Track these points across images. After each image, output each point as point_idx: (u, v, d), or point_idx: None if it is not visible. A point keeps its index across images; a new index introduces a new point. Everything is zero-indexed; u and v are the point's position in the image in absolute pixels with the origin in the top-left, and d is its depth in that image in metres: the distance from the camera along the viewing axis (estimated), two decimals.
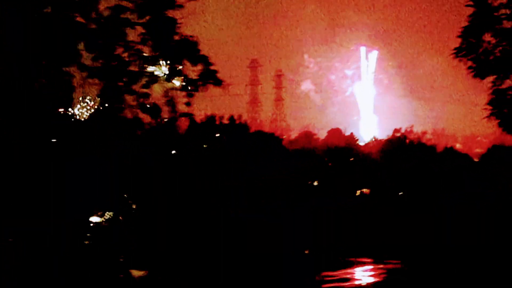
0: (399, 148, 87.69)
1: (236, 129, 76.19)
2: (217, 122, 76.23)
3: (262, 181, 67.40)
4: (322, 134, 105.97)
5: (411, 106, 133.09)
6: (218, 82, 13.60)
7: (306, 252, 52.77)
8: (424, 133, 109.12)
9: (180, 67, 13.97)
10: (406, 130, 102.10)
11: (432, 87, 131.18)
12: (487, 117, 20.29)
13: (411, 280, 42.25)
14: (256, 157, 70.37)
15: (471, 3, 20.25)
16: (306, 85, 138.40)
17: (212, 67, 13.86)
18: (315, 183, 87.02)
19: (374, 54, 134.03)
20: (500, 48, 20.18)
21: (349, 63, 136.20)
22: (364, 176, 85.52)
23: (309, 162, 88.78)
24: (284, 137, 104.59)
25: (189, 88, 13.51)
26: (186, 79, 13.36)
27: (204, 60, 13.34)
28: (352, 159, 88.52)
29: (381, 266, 51.60)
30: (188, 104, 14.23)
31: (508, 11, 19.99)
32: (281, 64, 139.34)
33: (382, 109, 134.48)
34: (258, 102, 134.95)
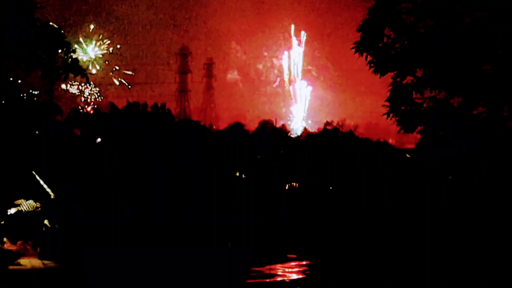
0: (330, 141, 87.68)
1: (159, 117, 75.16)
2: (140, 109, 75.10)
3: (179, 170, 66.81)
4: (253, 126, 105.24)
5: (344, 99, 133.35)
6: (80, 71, 12.73)
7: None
8: (357, 126, 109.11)
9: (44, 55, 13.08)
10: (338, 123, 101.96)
11: (366, 81, 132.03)
12: (386, 114, 19.86)
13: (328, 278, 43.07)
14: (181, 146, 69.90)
15: None
16: (235, 75, 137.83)
17: (75, 55, 12.98)
18: (243, 176, 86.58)
19: (301, 47, 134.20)
20: (400, 43, 19.75)
21: (278, 52, 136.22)
22: (294, 169, 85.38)
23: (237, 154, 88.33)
24: (214, 127, 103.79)
25: (52, 77, 12.62)
26: (46, 67, 12.45)
27: (66, 47, 12.44)
28: (282, 152, 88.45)
29: (305, 262, 52.13)
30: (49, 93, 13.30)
31: (409, 5, 19.55)
32: (212, 52, 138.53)
33: (314, 102, 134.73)
34: (187, 91, 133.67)
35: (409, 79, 19.90)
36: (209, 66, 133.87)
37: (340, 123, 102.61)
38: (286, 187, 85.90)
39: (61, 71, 12.62)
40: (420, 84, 19.63)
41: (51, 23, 12.33)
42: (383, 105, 19.68)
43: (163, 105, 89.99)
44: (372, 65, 20.07)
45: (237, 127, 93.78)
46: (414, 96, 19.66)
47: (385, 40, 19.72)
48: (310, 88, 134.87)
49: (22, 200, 75.95)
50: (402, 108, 19.37)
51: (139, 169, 70.05)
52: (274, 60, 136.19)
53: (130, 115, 75.20)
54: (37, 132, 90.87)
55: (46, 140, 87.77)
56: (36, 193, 75.72)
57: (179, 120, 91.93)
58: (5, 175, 68.71)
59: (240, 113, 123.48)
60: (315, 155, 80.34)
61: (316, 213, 68.14)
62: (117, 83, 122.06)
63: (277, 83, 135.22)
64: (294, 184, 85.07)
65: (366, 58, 20.05)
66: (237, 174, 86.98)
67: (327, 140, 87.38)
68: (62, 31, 12.40)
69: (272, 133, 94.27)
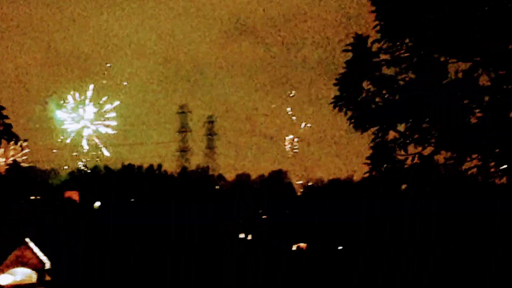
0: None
1: (154, 178, 74.92)
2: (135, 171, 74.96)
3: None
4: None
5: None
6: (15, 137, 12.29)
7: None
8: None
9: None
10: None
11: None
12: (368, 172, 19.38)
13: None
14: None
15: (349, 47, 19.45)
16: (238, 131, 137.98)
17: (8, 121, 12.49)
18: (249, 237, 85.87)
19: None
20: (381, 97, 19.35)
21: None
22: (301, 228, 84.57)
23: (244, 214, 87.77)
24: (216, 187, 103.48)
25: None
26: None
27: None
28: (288, 211, 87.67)
29: None
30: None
31: (388, 57, 19.20)
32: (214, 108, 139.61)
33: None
34: (188, 150, 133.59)
35: (391, 134, 19.45)
36: (210, 123, 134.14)
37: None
38: (294, 248, 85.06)
39: None
40: (404, 139, 19.17)
41: None
42: (364, 163, 19.20)
43: (159, 165, 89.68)
44: (353, 120, 19.66)
45: (241, 185, 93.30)
46: (397, 151, 19.21)
47: (364, 94, 19.32)
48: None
49: (17, 268, 75.46)
50: (384, 166, 18.90)
51: (136, 234, 69.59)
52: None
53: (125, 178, 74.75)
54: (32, 198, 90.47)
55: (42, 205, 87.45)
56: (31, 261, 75.24)
57: (179, 179, 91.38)
58: None
59: (244, 171, 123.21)
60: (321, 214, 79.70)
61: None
62: (106, 152, 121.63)
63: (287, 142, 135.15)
64: (302, 245, 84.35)
65: (345, 113, 19.66)
66: (242, 235, 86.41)
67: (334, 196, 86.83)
68: None
69: (278, 191, 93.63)
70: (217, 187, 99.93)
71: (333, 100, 19.73)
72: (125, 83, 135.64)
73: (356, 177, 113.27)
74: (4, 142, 12.37)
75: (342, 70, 19.43)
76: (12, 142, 12.37)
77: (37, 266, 73.96)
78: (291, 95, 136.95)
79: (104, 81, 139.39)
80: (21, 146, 12.48)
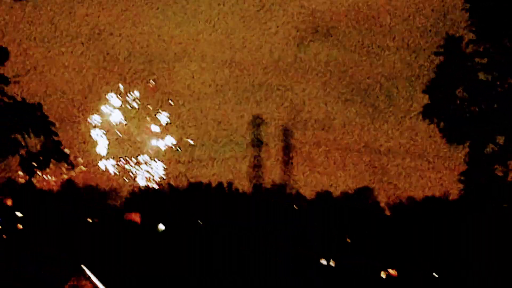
0: None
1: (225, 197, 75.64)
2: (203, 190, 75.80)
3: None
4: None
5: None
6: (64, 157, 12.79)
7: None
8: None
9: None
10: None
11: None
12: (463, 189, 19.42)
13: None
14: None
15: (441, 50, 19.44)
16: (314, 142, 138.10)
17: (57, 138, 12.96)
18: (331, 263, 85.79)
19: None
20: (477, 105, 19.33)
21: None
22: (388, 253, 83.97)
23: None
24: (295, 206, 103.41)
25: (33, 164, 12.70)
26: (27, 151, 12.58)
27: (47, 129, 12.52)
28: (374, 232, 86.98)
29: None
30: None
31: (484, 60, 19.14)
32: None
33: None
34: (261, 165, 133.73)
35: (489, 147, 19.40)
36: (286, 135, 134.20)
37: None
38: (383, 276, 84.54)
39: (41, 158, 12.66)
40: (503, 153, 19.12)
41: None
42: (458, 180, 19.22)
43: (230, 183, 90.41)
44: (446, 132, 19.62)
45: (322, 204, 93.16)
46: (495, 166, 19.14)
47: (457, 102, 19.29)
48: None
49: None
50: (482, 182, 18.90)
51: (204, 260, 70.12)
52: None
53: (192, 197, 75.58)
54: (89, 220, 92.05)
55: (100, 229, 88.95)
56: None
57: (253, 198, 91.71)
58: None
59: (324, 187, 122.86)
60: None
61: None
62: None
63: None
64: (392, 272, 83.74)
65: (437, 125, 19.61)
66: (324, 261, 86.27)
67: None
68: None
69: (363, 211, 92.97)
70: (295, 206, 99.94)
71: (422, 110, 19.71)
72: (188, 93, 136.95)
73: (453, 196, 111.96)
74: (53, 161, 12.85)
75: (432, 76, 19.41)
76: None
77: None
78: (372, 103, 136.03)
79: (167, 91, 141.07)
80: (72, 164, 12.86)
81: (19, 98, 12.40)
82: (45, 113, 12.36)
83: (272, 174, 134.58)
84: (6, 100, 12.05)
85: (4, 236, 76.85)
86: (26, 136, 12.56)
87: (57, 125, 12.76)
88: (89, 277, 74.45)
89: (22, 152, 12.48)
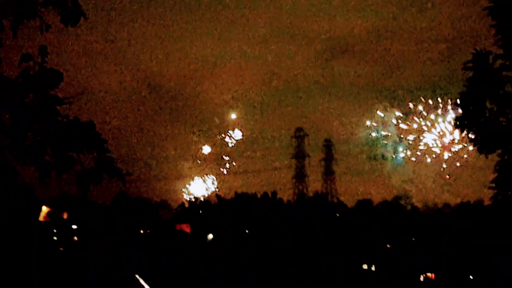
0: None
1: (270, 207, 75.98)
2: (249, 200, 76.21)
3: None
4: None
5: None
6: (117, 173, 13.06)
7: None
8: None
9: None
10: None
11: None
12: (493, 197, 19.67)
13: None
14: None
15: (469, 65, 19.76)
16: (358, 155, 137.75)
17: (110, 154, 13.23)
18: (373, 268, 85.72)
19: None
20: (505, 116, 19.60)
21: None
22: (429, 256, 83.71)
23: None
24: (337, 214, 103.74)
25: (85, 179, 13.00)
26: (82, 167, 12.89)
27: (100, 145, 12.82)
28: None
29: None
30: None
31: (511, 74, 19.45)
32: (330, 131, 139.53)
33: None
34: (305, 176, 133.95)
35: None
36: (327, 147, 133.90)
37: None
38: (421, 279, 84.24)
39: (95, 173, 12.98)
40: None
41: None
42: (489, 187, 19.48)
43: (274, 193, 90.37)
44: (477, 143, 19.97)
45: (362, 212, 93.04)
46: None
47: (487, 114, 19.59)
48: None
49: None
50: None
51: (252, 268, 70.38)
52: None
53: (239, 207, 75.85)
54: (142, 231, 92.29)
55: (152, 239, 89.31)
56: None
57: (297, 207, 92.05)
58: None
59: (365, 196, 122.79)
60: None
61: None
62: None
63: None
64: (430, 275, 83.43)
65: (468, 135, 19.99)
66: (365, 266, 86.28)
67: None
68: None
69: (401, 216, 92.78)
70: (337, 214, 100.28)
71: (455, 121, 20.08)
72: (231, 111, 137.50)
73: (487, 202, 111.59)
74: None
75: (463, 89, 19.76)
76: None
77: None
78: (405, 115, 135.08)
79: (212, 108, 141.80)
80: (124, 179, 13.14)
81: (71, 117, 12.75)
82: (98, 131, 12.72)
83: (315, 185, 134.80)
84: (60, 119, 12.42)
85: (61, 249, 77.48)
86: (80, 154, 12.89)
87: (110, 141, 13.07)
88: (143, 287, 74.94)
89: (77, 168, 12.82)
